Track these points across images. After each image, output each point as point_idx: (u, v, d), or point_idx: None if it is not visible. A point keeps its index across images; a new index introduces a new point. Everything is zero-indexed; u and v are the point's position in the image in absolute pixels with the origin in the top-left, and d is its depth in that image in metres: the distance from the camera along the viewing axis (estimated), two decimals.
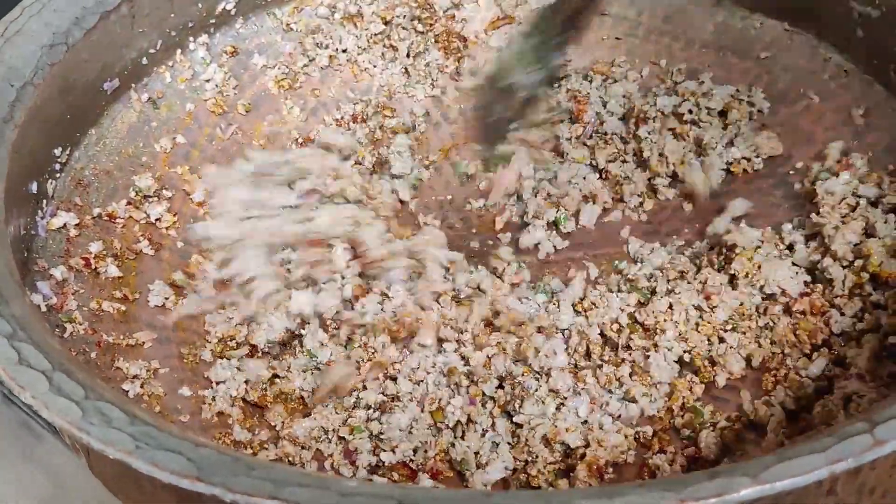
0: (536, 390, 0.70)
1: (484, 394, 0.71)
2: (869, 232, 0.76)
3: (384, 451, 0.68)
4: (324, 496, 0.46)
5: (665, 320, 0.74)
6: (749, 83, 0.93)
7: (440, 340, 0.76)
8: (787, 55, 0.91)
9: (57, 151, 0.80)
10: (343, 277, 0.79)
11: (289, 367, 0.76)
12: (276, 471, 0.47)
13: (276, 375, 0.76)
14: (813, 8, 0.88)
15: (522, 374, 0.72)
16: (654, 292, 0.78)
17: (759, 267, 0.76)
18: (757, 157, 0.88)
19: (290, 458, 0.69)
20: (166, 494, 0.54)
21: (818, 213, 0.79)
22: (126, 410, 0.50)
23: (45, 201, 0.78)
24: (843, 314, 0.73)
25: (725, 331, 0.74)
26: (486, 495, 0.46)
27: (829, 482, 0.50)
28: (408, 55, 0.98)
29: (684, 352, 0.73)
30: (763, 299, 0.76)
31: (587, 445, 0.67)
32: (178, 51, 0.91)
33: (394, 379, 0.74)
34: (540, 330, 0.76)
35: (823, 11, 0.88)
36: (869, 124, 0.85)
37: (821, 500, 0.52)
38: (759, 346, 0.73)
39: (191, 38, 0.92)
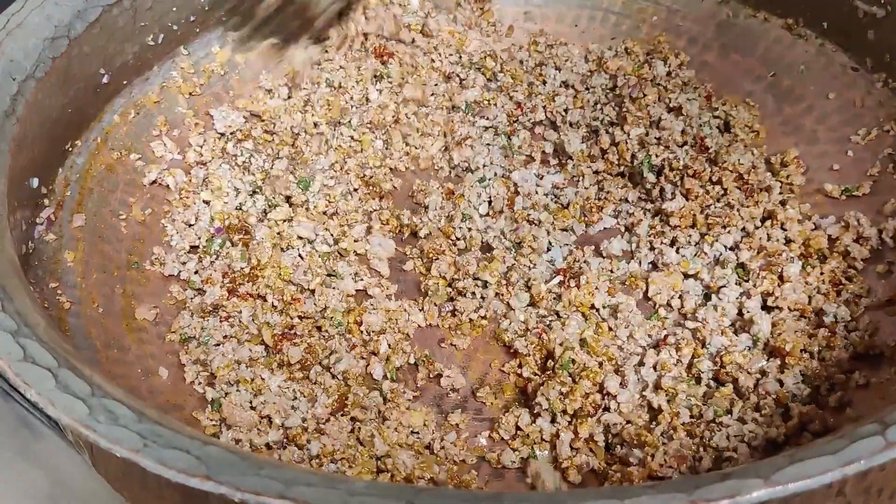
0: None
1: None
2: None
3: None
4: (332, 495, 0.45)
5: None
6: (751, 81, 0.93)
7: None
8: (791, 53, 0.91)
9: (58, 145, 0.79)
10: None
11: None
12: (285, 470, 0.47)
13: None
14: (818, 7, 0.88)
15: None
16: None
17: None
18: None
19: None
20: (172, 492, 0.54)
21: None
22: (133, 408, 0.50)
23: (46, 195, 0.78)
24: None
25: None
26: (496, 496, 0.45)
27: (839, 484, 0.50)
28: None
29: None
30: None
31: None
32: (180, 44, 0.90)
33: None
34: None
35: (828, 10, 0.88)
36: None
37: (829, 501, 0.52)
38: None
39: (192, 32, 0.91)
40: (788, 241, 0.81)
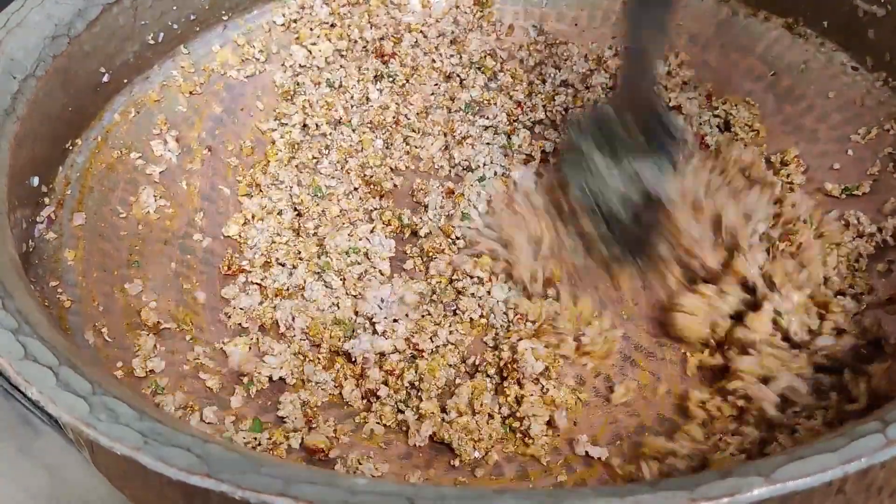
0: None
1: None
2: None
3: None
4: (333, 494, 0.45)
5: None
6: (752, 80, 0.93)
7: None
8: (791, 52, 0.91)
9: (59, 144, 0.79)
10: None
11: None
12: (286, 468, 0.47)
13: None
14: (818, 6, 0.88)
15: None
16: None
17: None
18: None
19: None
20: (172, 491, 0.54)
21: None
22: (134, 406, 0.50)
23: (47, 194, 0.78)
24: None
25: None
26: (497, 493, 0.45)
27: (839, 481, 0.50)
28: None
29: None
30: None
31: None
32: (181, 43, 0.90)
33: None
34: None
35: (828, 9, 0.88)
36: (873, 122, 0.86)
37: (829, 499, 0.52)
38: None
39: (193, 31, 0.91)
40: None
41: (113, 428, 0.49)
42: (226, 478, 0.46)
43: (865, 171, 0.84)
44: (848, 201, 0.84)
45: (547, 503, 0.44)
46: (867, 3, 0.83)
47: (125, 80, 0.86)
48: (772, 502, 0.47)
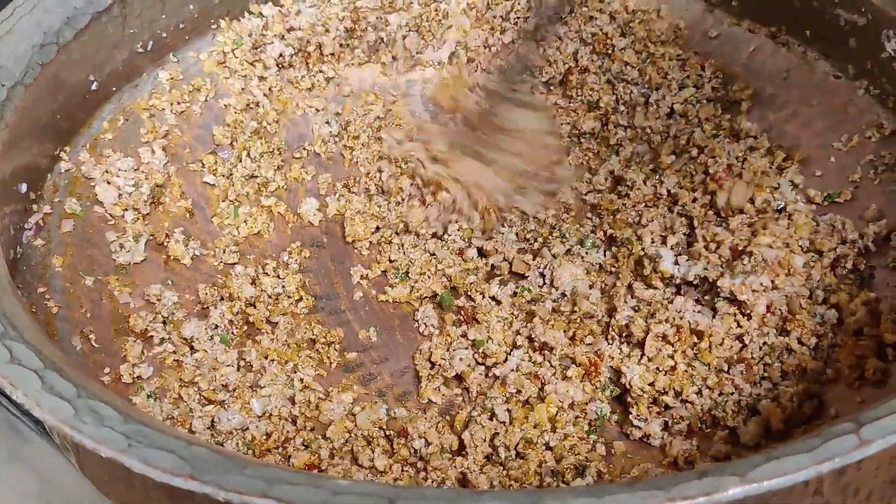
0: None
1: None
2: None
3: None
4: (315, 494, 0.46)
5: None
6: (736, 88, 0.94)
7: None
8: (774, 61, 0.92)
9: (47, 151, 0.80)
10: None
11: None
12: (269, 469, 0.47)
13: None
14: (801, 15, 0.89)
15: None
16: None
17: None
18: None
19: None
20: (158, 493, 0.54)
21: None
22: (118, 409, 0.50)
23: (35, 201, 0.78)
24: None
25: None
26: (476, 494, 0.46)
27: (816, 482, 0.51)
28: None
29: None
30: None
31: None
32: (170, 52, 0.91)
33: None
34: None
35: (811, 18, 0.89)
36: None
37: (807, 500, 0.52)
38: None
39: (182, 40, 0.92)
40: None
41: (97, 430, 0.49)
42: (209, 479, 0.46)
43: (847, 178, 0.85)
44: (830, 208, 0.85)
45: (525, 503, 0.44)
46: (848, 13, 0.84)
47: (114, 88, 0.87)
48: (749, 502, 0.47)
